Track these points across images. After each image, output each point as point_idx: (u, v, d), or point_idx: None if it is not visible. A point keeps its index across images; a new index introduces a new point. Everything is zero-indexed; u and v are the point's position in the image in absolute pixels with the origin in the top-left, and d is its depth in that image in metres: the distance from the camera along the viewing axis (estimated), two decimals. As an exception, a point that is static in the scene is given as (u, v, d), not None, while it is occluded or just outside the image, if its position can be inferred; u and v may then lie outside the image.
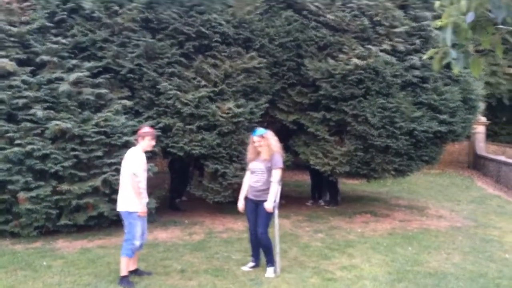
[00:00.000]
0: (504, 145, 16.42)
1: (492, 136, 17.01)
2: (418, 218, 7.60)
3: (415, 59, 7.09)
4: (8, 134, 5.74)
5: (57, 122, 5.78)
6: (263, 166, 4.77)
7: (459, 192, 10.52)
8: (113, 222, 6.21)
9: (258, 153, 4.83)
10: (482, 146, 15.48)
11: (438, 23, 2.91)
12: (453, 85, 7.47)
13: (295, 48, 7.20)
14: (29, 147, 5.68)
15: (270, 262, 4.82)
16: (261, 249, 4.89)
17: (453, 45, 2.87)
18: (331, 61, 6.94)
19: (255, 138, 4.80)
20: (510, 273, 4.83)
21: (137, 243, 4.49)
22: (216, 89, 6.70)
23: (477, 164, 15.09)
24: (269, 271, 4.77)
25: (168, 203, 7.83)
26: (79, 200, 5.89)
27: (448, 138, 7.71)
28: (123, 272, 4.43)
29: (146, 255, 5.30)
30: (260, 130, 4.87)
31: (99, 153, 6.01)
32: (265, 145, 4.76)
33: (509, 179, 11.37)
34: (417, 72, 7.14)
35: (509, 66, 15.31)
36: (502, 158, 13.12)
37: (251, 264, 5.00)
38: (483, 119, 15.22)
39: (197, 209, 7.79)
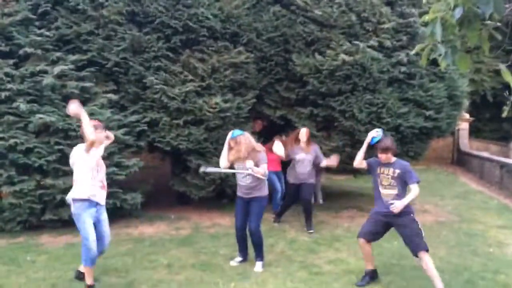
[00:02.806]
0: (487, 141, 16.68)
1: (475, 132, 17.26)
2: (403, 213, 7.66)
3: (401, 56, 7.13)
4: (-9, 128, 5.63)
5: (41, 116, 5.68)
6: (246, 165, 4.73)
7: (443, 188, 10.65)
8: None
9: (238, 153, 4.75)
10: (465, 143, 15.70)
11: (427, 17, 2.92)
12: (439, 81, 7.54)
13: (282, 43, 7.19)
14: (12, 141, 5.58)
15: (260, 257, 4.82)
16: (252, 243, 4.88)
17: (441, 41, 2.89)
18: (318, 56, 6.94)
19: (231, 142, 4.74)
20: (494, 266, 4.90)
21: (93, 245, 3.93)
22: (203, 83, 6.65)
23: (461, 160, 15.29)
24: (258, 265, 4.78)
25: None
26: (64, 195, 5.77)
27: (434, 134, 7.78)
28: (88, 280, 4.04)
29: (132, 250, 5.25)
30: (236, 132, 4.77)
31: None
32: (240, 148, 4.69)
33: (492, 175, 11.54)
34: (403, 69, 7.18)
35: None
36: (485, 154, 13.32)
37: (239, 259, 4.99)
38: (467, 115, 15.44)
39: (183, 204, 7.74)
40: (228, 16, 6.90)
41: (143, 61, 6.55)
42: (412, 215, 4.27)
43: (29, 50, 6.05)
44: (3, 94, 5.73)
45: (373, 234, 4.48)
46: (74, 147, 4.19)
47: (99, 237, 4.03)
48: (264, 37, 7.09)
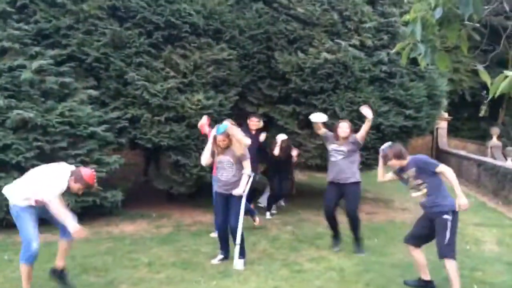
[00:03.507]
0: (465, 140, 17.00)
1: (454, 131, 17.58)
2: (384, 211, 7.77)
3: (382, 55, 7.21)
4: (-34, 123, 5.49)
5: (19, 111, 5.56)
6: (232, 159, 4.72)
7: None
8: (78, 215, 6.04)
9: (225, 148, 4.70)
10: (444, 141, 15.98)
11: (407, 17, 2.96)
12: (419, 81, 7.65)
13: (265, 40, 7.19)
14: (-11, 137, 5.45)
15: (242, 254, 4.82)
16: (234, 239, 4.87)
17: (421, 41, 2.93)
18: (301, 54, 6.97)
19: (219, 137, 4.62)
20: (471, 263, 4.99)
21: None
22: (185, 80, 6.61)
23: (439, 158, 15.48)
24: (240, 263, 4.77)
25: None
26: (42, 193, 5.70)
27: (413, 132, 7.90)
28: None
29: (113, 249, 5.19)
30: (222, 127, 4.65)
31: (63, 144, 5.83)
32: (233, 141, 4.64)
33: (469, 173, 11.78)
34: (384, 67, 7.27)
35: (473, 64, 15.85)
36: (463, 152, 13.59)
37: (220, 256, 4.98)
38: (446, 115, 15.70)
39: (164, 202, 7.68)
40: (211, 12, 6.87)
41: (124, 57, 6.46)
42: (445, 215, 4.04)
43: (6, 44, 5.92)
44: (-20, 89, 5.59)
45: (417, 238, 4.34)
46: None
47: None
48: (246, 34, 7.08)
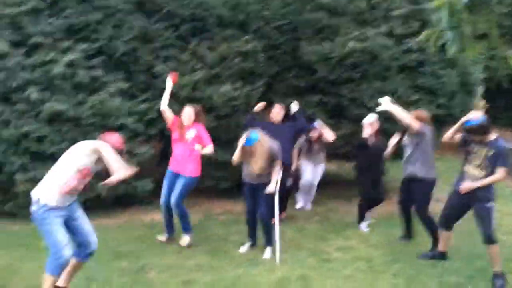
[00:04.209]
0: (503, 129, 16.42)
1: (491, 119, 16.99)
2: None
3: (412, 43, 7.05)
4: (3, 116, 5.70)
5: (52, 104, 5.75)
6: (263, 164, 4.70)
7: (450, 175, 10.53)
8: (111, 203, 6.23)
9: (251, 154, 4.66)
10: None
11: (435, 3, 2.88)
12: (451, 68, 7.44)
13: (291, 31, 7.14)
14: (24, 129, 5.66)
15: (269, 242, 4.84)
16: (262, 230, 4.91)
17: (448, 27, 2.85)
18: (327, 44, 6.89)
19: (247, 148, 4.63)
20: (507, 254, 4.84)
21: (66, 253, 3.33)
22: (212, 72, 6.65)
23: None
24: (267, 252, 4.81)
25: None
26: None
27: (446, 122, 7.69)
28: None
29: (143, 236, 5.31)
30: (253, 139, 4.59)
31: (95, 136, 5.97)
32: (255, 159, 4.62)
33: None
34: (414, 56, 7.10)
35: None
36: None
37: (249, 243, 5.02)
38: (482, 103, 15.21)
39: (193, 191, 7.75)
40: (237, 4, 6.88)
41: (152, 50, 6.56)
42: (488, 203, 4.19)
43: (39, 39, 6.09)
44: (15, 83, 5.79)
45: (449, 221, 4.51)
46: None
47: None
48: (272, 25, 7.05)
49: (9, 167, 5.68)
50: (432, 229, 4.98)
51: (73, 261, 3.50)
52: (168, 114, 5.21)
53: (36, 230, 5.41)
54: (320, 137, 6.41)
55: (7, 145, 5.67)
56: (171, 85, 5.29)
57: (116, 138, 3.58)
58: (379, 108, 5.19)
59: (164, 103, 5.20)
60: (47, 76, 5.96)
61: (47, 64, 6.00)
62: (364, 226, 5.89)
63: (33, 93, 5.77)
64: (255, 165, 4.62)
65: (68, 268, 3.51)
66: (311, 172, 6.60)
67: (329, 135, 6.31)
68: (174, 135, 5.18)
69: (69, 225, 3.48)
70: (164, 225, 5.25)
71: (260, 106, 5.94)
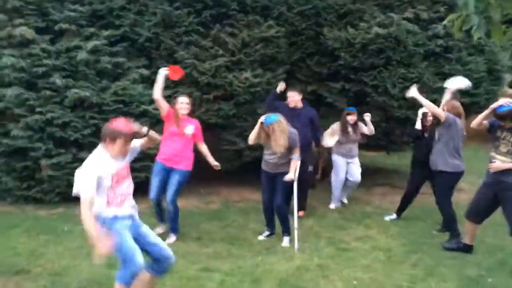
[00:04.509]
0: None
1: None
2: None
3: (438, 28, 6.86)
4: (29, 102, 5.82)
5: (76, 91, 5.83)
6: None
7: (481, 165, 10.26)
8: (135, 188, 6.32)
9: (269, 136, 4.63)
10: (507, 119, 15.06)
11: (460, -14, 2.79)
12: (478, 55, 7.24)
13: (314, 16, 7.03)
14: (49, 115, 5.77)
15: (286, 232, 4.86)
16: (278, 219, 4.92)
17: (475, 12, 2.75)
18: (350, 29, 6.76)
19: (265, 128, 4.61)
20: (529, 247, 4.77)
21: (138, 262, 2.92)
22: (233, 58, 6.62)
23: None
24: (285, 240, 4.83)
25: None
26: (99, 168, 5.99)
27: (471, 110, 7.50)
28: None
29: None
30: (272, 118, 4.58)
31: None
32: (274, 138, 4.57)
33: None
34: (440, 42, 6.93)
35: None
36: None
37: (267, 233, 5.06)
38: (510, 91, 14.76)
39: (212, 178, 7.83)
40: (259, -11, 6.79)
41: (174, 36, 6.56)
42: None
43: (64, 26, 6.16)
44: (41, 70, 5.88)
45: (480, 214, 4.47)
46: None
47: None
48: (295, 10, 6.95)
49: (34, 153, 5.82)
50: (449, 223, 4.93)
51: (147, 275, 3.15)
52: (162, 103, 4.90)
53: (61, 215, 5.61)
54: (356, 123, 6.25)
55: (33, 131, 5.80)
56: (165, 74, 4.90)
57: (121, 122, 3.05)
58: (407, 95, 5.10)
59: (157, 92, 4.85)
60: (71, 63, 6.05)
61: (71, 50, 6.08)
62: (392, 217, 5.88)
63: (57, 79, 5.86)
64: (276, 144, 4.55)
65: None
66: (344, 168, 6.33)
67: (370, 129, 6.24)
68: (173, 128, 4.85)
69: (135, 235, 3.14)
70: (157, 219, 5.14)
71: (281, 85, 5.89)
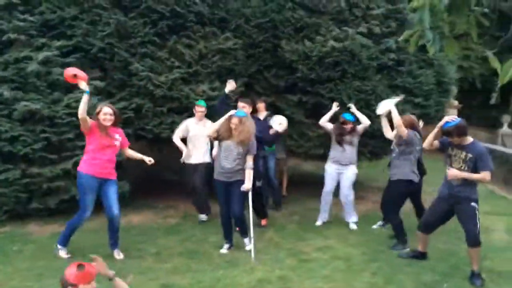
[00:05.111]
0: (477, 128, 16.76)
1: (464, 119, 17.31)
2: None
3: (390, 42, 7.11)
4: (-26, 115, 5.51)
5: (26, 103, 5.58)
6: (240, 150, 4.71)
7: (432, 175, 10.70)
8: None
9: (231, 132, 4.73)
10: (454, 129, 15.73)
11: (415, 3, 2.90)
12: (427, 68, 7.55)
13: (271, 29, 7.10)
14: (-4, 129, 5.48)
15: (245, 234, 4.97)
16: (238, 226, 4.93)
17: (429, 27, 2.87)
18: (307, 43, 6.88)
19: (234, 119, 4.70)
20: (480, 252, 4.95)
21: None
22: (190, 70, 6.56)
23: (449, 147, 15.36)
24: (247, 242, 4.96)
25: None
26: (50, 183, 5.74)
27: (423, 121, 7.81)
28: None
29: (120, 239, 5.20)
30: (242, 112, 4.82)
31: (70, 135, 5.84)
32: (242, 129, 4.68)
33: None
34: (392, 55, 7.17)
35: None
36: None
37: (226, 245, 5.00)
38: (456, 102, 15.50)
39: (171, 192, 7.69)
40: (216, 1, 6.79)
41: (129, 47, 6.42)
42: (473, 203, 4.23)
43: (12, 36, 5.89)
44: (-14, 81, 5.60)
45: (431, 227, 4.59)
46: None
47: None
48: (252, 23, 6.99)
49: (-20, 168, 5.50)
50: (396, 230, 5.20)
51: None
52: (88, 121, 4.62)
53: (9, 234, 5.31)
54: (353, 129, 5.89)
55: (-21, 145, 5.49)
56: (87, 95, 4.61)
57: (72, 272, 2.72)
58: (379, 112, 5.41)
59: (84, 111, 4.51)
60: (20, 74, 5.78)
61: (20, 61, 5.83)
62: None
63: (5, 91, 5.59)
64: (239, 135, 4.64)
65: None
66: (332, 179, 6.01)
67: (365, 119, 5.96)
68: (103, 141, 4.66)
69: None
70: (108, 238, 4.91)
71: (231, 84, 5.62)
